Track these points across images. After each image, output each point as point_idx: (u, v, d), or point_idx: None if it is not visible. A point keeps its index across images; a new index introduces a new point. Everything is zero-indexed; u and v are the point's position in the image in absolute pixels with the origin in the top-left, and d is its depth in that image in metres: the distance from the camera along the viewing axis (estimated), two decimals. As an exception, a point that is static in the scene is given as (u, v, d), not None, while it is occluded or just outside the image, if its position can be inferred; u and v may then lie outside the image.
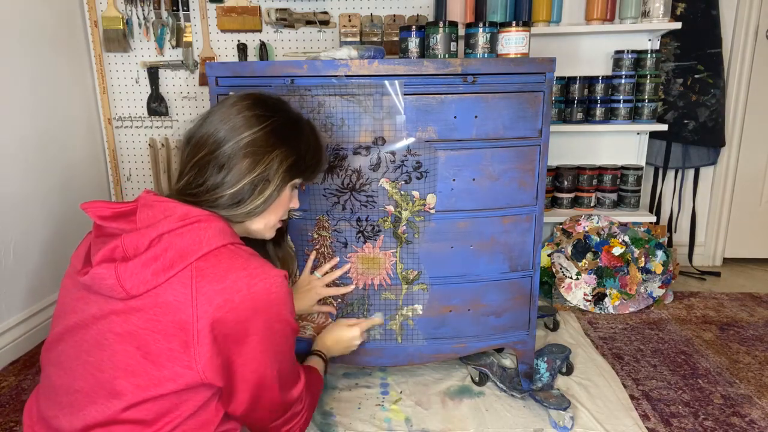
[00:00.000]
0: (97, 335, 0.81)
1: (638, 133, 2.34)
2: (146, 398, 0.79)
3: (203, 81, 2.26)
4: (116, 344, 0.79)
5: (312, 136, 1.02)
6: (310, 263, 1.39)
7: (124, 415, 0.79)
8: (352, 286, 1.39)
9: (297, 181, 1.00)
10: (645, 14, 2.12)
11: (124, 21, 2.20)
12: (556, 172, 2.31)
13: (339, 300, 1.41)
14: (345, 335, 1.35)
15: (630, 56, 2.17)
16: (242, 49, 2.22)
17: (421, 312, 1.41)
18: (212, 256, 0.82)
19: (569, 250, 2.13)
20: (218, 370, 0.81)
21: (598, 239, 2.12)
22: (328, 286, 1.38)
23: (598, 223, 2.16)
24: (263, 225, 0.98)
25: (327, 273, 1.38)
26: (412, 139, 1.29)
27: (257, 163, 0.90)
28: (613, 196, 2.31)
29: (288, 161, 0.94)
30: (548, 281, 2.17)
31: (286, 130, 0.95)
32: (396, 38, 2.15)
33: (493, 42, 1.43)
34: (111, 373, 0.79)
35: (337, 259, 1.38)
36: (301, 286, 1.38)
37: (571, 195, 2.32)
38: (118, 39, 2.19)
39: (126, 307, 0.80)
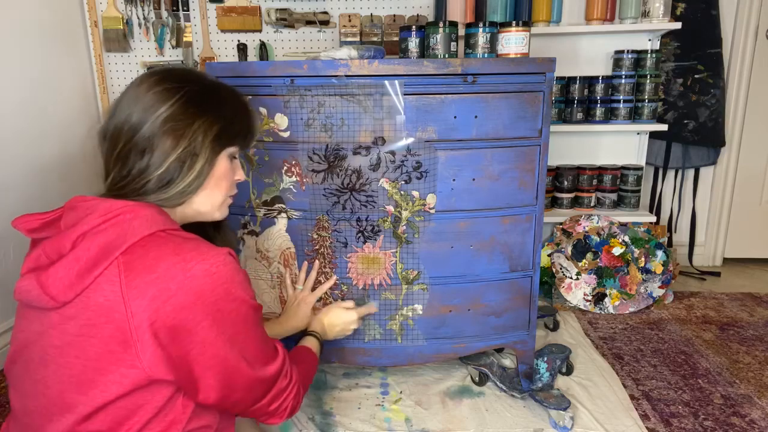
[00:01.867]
0: (40, 352, 0.78)
1: (638, 133, 2.34)
2: (97, 407, 0.76)
3: (203, 81, 2.26)
4: (58, 358, 0.76)
5: (235, 100, 0.94)
6: (288, 281, 1.41)
7: (80, 429, 0.76)
8: (334, 279, 1.39)
9: (232, 149, 0.92)
10: (645, 14, 2.12)
11: (124, 21, 2.20)
12: (556, 172, 2.31)
13: (339, 300, 1.41)
14: (342, 318, 1.33)
15: (630, 56, 2.17)
16: (242, 49, 2.22)
17: (421, 312, 1.41)
18: (139, 247, 0.76)
19: (569, 250, 2.13)
20: (167, 364, 0.76)
21: (598, 239, 2.12)
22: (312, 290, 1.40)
23: (598, 223, 2.16)
24: (210, 204, 0.92)
25: (306, 279, 1.39)
26: (411, 139, 1.29)
27: (180, 138, 0.84)
28: (613, 196, 2.31)
29: (213, 130, 0.87)
30: (548, 281, 2.17)
31: (203, 98, 0.88)
32: (396, 38, 2.15)
33: (493, 42, 1.43)
34: (58, 388, 0.76)
35: (305, 263, 1.39)
36: (291, 304, 1.38)
37: (571, 195, 2.32)
38: (118, 39, 2.19)
39: (61, 318, 0.76)
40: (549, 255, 2.17)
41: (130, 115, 0.84)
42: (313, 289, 1.39)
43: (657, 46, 2.27)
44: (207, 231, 1.03)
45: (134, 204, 0.80)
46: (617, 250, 2.09)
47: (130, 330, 0.74)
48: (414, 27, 1.48)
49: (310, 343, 1.23)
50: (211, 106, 0.88)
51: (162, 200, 0.85)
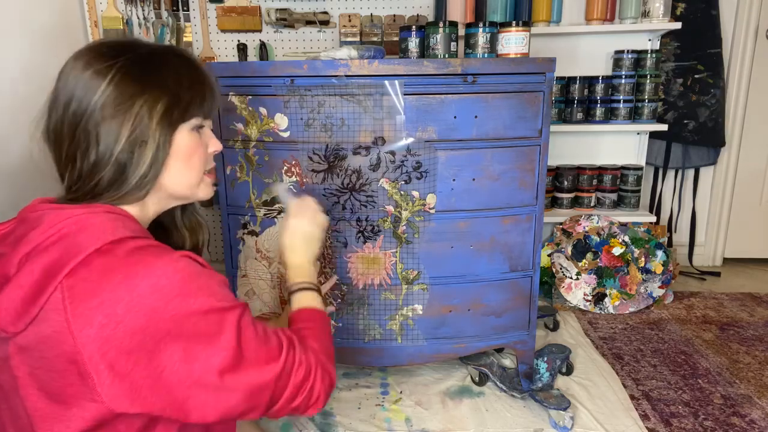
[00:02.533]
0: (9, 379, 0.71)
1: (638, 133, 2.34)
2: None
3: (203, 81, 2.26)
4: (22, 389, 0.69)
5: (180, 64, 0.80)
6: None
7: None
8: (335, 279, 1.36)
9: (193, 122, 0.81)
10: (645, 14, 2.12)
11: (124, 21, 2.20)
12: (556, 172, 2.31)
13: (339, 300, 1.41)
14: (298, 226, 1.05)
15: (630, 56, 2.17)
16: (242, 49, 2.22)
17: (421, 312, 1.41)
18: (83, 267, 0.67)
19: (569, 250, 2.13)
20: (136, 394, 0.67)
21: (598, 239, 2.12)
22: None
23: (598, 223, 2.16)
24: (185, 186, 0.83)
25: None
26: (411, 139, 1.29)
27: (122, 124, 0.73)
28: (613, 196, 2.31)
29: (159, 107, 0.76)
30: (548, 281, 2.17)
31: (141, 71, 0.76)
32: (396, 38, 2.15)
33: (493, 42, 1.43)
34: (27, 420, 0.70)
35: None
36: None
37: (571, 195, 2.32)
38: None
39: (17, 348, 0.69)
40: (549, 255, 2.17)
41: (67, 108, 0.75)
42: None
43: (657, 46, 2.27)
44: (175, 216, 0.94)
45: (82, 212, 0.72)
46: (617, 250, 2.09)
47: (83, 362, 0.65)
48: (414, 27, 1.48)
49: (306, 300, 0.98)
50: (151, 78, 0.76)
51: (119, 199, 0.77)
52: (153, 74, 0.77)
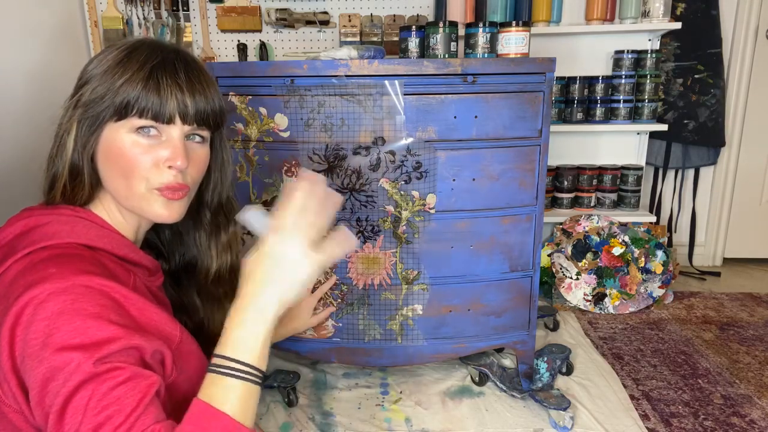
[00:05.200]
0: None
1: (638, 133, 2.34)
2: None
3: (203, 81, 2.26)
4: None
5: (143, 59, 0.73)
6: None
7: None
8: (334, 279, 1.37)
9: (133, 122, 0.71)
10: (645, 14, 2.12)
11: (124, 21, 2.20)
12: (556, 172, 2.31)
13: (339, 300, 1.41)
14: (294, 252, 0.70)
15: (630, 56, 2.17)
16: (242, 49, 2.22)
17: (421, 312, 1.41)
18: (8, 271, 0.67)
19: (569, 250, 2.13)
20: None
21: (598, 239, 2.12)
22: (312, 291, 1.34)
23: (598, 223, 2.16)
24: (123, 196, 0.74)
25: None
26: (411, 139, 1.29)
27: (64, 112, 0.75)
28: (613, 196, 2.31)
29: (86, 96, 0.72)
30: (548, 281, 2.17)
31: (97, 62, 0.75)
32: (396, 38, 2.15)
33: (493, 42, 1.43)
34: None
35: None
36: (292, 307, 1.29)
37: (571, 195, 2.32)
38: (118, 39, 2.19)
39: None
40: (549, 255, 2.17)
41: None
42: (313, 290, 1.38)
43: (657, 46, 2.27)
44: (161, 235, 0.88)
45: (38, 214, 0.72)
46: (617, 250, 2.09)
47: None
48: (414, 27, 1.48)
49: (223, 392, 0.63)
50: (98, 70, 0.73)
51: (71, 199, 0.74)
52: (100, 66, 0.73)
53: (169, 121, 0.73)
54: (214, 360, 0.65)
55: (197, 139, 0.78)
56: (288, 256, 0.68)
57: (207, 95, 0.76)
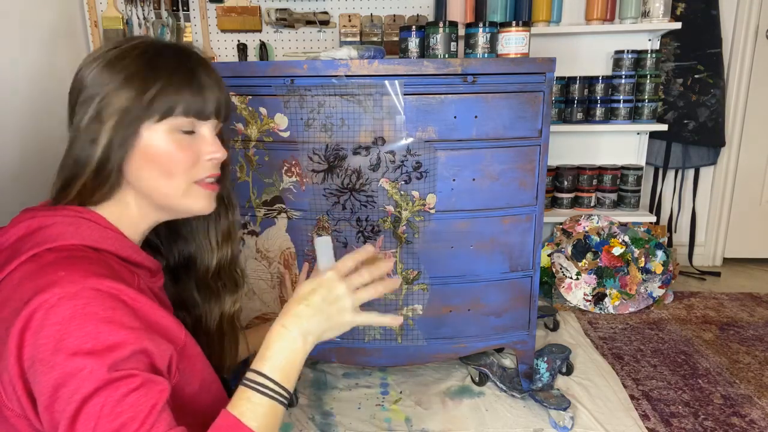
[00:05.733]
0: None
1: (638, 133, 2.34)
2: None
3: (203, 81, 2.26)
4: None
5: (174, 62, 0.75)
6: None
7: None
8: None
9: (171, 122, 0.73)
10: (645, 14, 2.12)
11: (124, 21, 2.20)
12: (556, 172, 2.31)
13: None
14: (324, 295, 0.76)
15: (630, 56, 2.17)
16: (242, 49, 2.22)
17: (421, 312, 1.41)
18: (14, 273, 0.67)
19: (569, 250, 2.13)
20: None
21: (598, 239, 2.12)
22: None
23: (598, 223, 2.16)
24: (163, 193, 0.75)
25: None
26: (411, 139, 1.29)
27: (86, 112, 0.72)
28: (613, 196, 2.31)
29: (121, 99, 0.72)
30: (548, 281, 2.17)
31: (118, 62, 0.73)
32: (396, 38, 2.15)
33: (493, 42, 1.43)
34: None
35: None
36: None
37: (571, 195, 2.32)
38: (118, 39, 2.19)
39: None
40: (549, 255, 2.17)
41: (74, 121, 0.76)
42: None
43: (657, 46, 2.27)
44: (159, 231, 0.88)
45: (43, 215, 0.71)
46: (617, 250, 2.09)
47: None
48: (414, 27, 1.48)
49: (251, 408, 0.67)
50: (125, 71, 0.72)
51: (89, 197, 0.74)
52: (128, 67, 0.72)
53: (208, 117, 0.76)
54: (252, 376, 0.69)
55: (217, 131, 0.81)
56: (342, 300, 0.75)
57: (225, 90, 0.80)
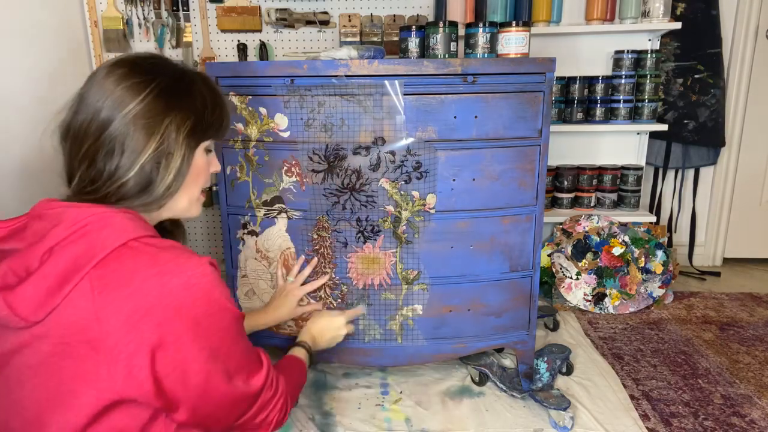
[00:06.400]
0: (17, 372, 0.73)
1: (638, 133, 2.34)
2: (75, 429, 0.71)
3: (203, 81, 2.26)
4: (33, 378, 0.72)
5: (206, 89, 0.87)
6: (280, 272, 1.41)
7: None
8: (326, 277, 1.39)
9: (207, 143, 0.88)
10: (645, 14, 2.12)
11: (124, 21, 2.20)
12: (556, 172, 2.31)
13: (339, 300, 1.41)
14: (331, 324, 1.32)
15: (630, 56, 2.17)
16: (242, 49, 2.22)
17: (421, 312, 1.41)
18: (112, 260, 0.71)
19: (569, 250, 2.13)
20: (145, 384, 0.71)
21: (598, 239, 2.12)
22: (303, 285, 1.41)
23: (598, 223, 2.16)
24: (187, 201, 0.88)
25: (298, 273, 1.39)
26: (411, 139, 1.29)
27: (151, 135, 0.78)
28: (613, 196, 2.31)
29: (186, 125, 0.82)
30: (548, 281, 2.17)
31: (174, 91, 0.82)
32: (396, 38, 2.15)
33: (493, 42, 1.43)
34: (35, 409, 0.72)
35: (303, 258, 1.39)
36: (278, 295, 1.40)
37: (571, 195, 2.32)
38: (118, 39, 2.19)
39: (32, 337, 0.71)
40: (549, 255, 2.17)
41: (98, 112, 0.78)
42: (304, 283, 1.41)
43: (657, 46, 2.27)
44: (164, 224, 0.96)
45: (103, 211, 0.75)
46: (617, 250, 2.09)
47: (105, 349, 0.69)
48: (414, 27, 1.48)
49: (300, 353, 1.20)
50: (182, 99, 0.83)
51: (146, 204, 0.81)
52: (184, 95, 0.84)
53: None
54: (299, 342, 1.25)
55: None
56: (340, 332, 1.34)
57: None
